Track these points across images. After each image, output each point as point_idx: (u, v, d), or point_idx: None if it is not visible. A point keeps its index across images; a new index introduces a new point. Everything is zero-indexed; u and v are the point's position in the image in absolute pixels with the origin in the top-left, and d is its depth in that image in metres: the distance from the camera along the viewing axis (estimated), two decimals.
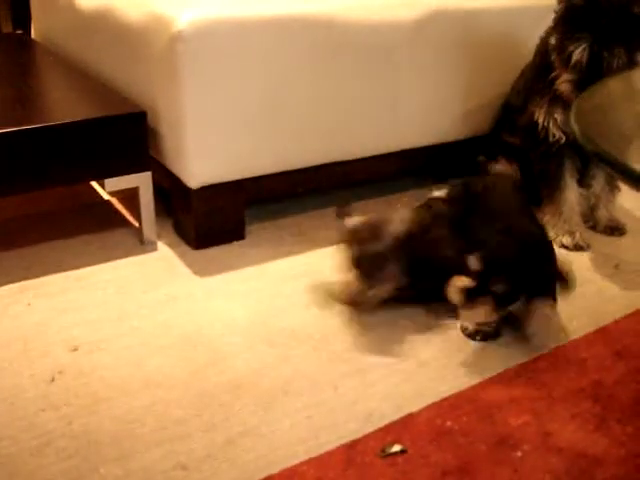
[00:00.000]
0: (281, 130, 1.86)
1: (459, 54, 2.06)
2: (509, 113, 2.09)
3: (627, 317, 1.64)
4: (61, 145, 1.72)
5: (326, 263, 1.80)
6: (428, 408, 1.37)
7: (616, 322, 1.63)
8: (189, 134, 1.77)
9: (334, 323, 1.61)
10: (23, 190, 1.76)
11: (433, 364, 1.49)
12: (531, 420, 1.35)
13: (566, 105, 1.83)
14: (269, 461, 1.24)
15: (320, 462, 1.25)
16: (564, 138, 1.88)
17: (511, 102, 2.09)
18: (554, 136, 1.88)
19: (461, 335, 1.58)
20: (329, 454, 1.26)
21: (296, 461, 1.25)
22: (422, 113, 2.05)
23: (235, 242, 1.92)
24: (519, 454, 1.28)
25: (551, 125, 1.87)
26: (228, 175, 1.84)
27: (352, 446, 1.28)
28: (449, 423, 1.34)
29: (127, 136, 1.80)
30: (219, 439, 1.29)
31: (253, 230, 1.96)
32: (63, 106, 1.91)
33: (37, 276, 1.75)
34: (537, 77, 1.93)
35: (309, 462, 1.25)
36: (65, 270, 1.77)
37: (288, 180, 1.93)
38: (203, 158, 1.80)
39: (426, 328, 1.62)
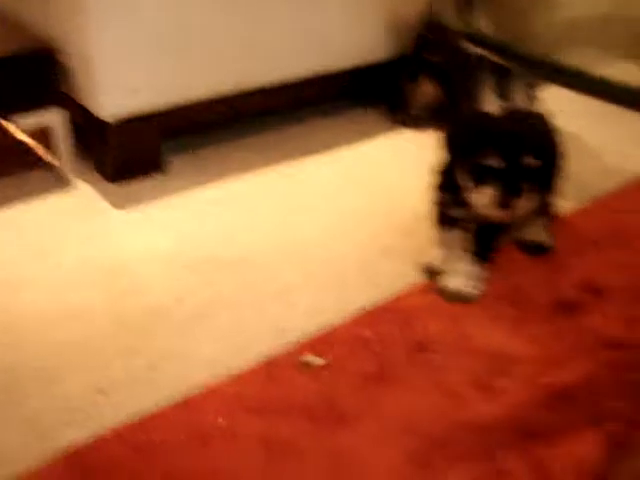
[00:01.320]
0: (195, 57, 1.83)
1: None
2: (430, 31, 2.07)
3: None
4: None
5: (248, 189, 1.80)
6: (348, 320, 1.38)
7: None
8: (98, 65, 1.73)
9: (258, 249, 1.60)
10: None
11: (354, 277, 1.50)
12: (450, 325, 1.37)
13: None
14: (189, 383, 1.24)
15: (240, 379, 1.25)
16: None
17: (432, 19, 2.07)
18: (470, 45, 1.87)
19: (378, 248, 1.58)
20: (249, 371, 1.27)
21: (216, 381, 1.24)
22: (340, 32, 2.02)
23: (155, 175, 1.88)
24: (437, 357, 1.30)
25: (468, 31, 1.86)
26: (141, 106, 1.80)
27: (272, 362, 1.29)
28: (368, 333, 1.35)
29: (34, 73, 1.74)
30: (139, 364, 1.29)
31: (174, 162, 1.93)
32: None
33: None
34: None
35: (229, 380, 1.25)
36: None
37: (206, 109, 1.90)
38: (115, 89, 1.76)
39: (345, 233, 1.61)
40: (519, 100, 1.94)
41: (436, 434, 1.15)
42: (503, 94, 1.93)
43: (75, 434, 1.14)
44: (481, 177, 1.36)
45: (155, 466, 1.09)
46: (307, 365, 1.27)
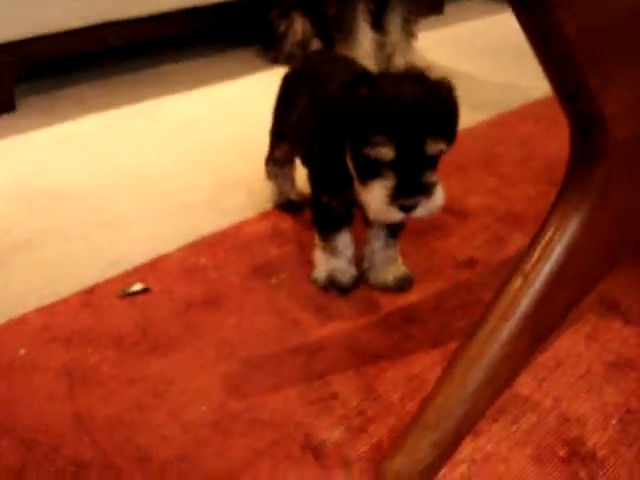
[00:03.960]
0: None
1: None
2: None
3: None
4: None
5: (102, 128, 1.69)
6: (183, 248, 1.27)
7: None
8: None
9: (98, 183, 1.48)
10: None
11: (196, 207, 1.38)
12: (294, 250, 1.27)
13: None
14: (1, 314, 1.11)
15: (52, 309, 1.13)
16: None
17: None
18: None
19: (229, 180, 1.47)
20: (63, 301, 1.15)
21: (25, 311, 1.12)
22: None
23: (5, 114, 1.74)
24: (274, 281, 1.19)
25: None
26: None
27: (91, 291, 1.17)
28: (203, 260, 1.24)
29: None
30: None
31: (28, 102, 1.79)
32: None
33: None
34: None
35: (38, 310, 1.13)
36: None
37: (59, 42, 1.76)
38: None
39: (195, 166, 1.51)
40: (395, 37, 1.86)
41: (258, 358, 1.04)
42: (379, 27, 1.85)
43: None
44: (369, 170, 0.97)
45: None
46: (129, 293, 1.15)
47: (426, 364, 1.03)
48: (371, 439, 0.92)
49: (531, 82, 1.85)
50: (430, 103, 0.96)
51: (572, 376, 1.01)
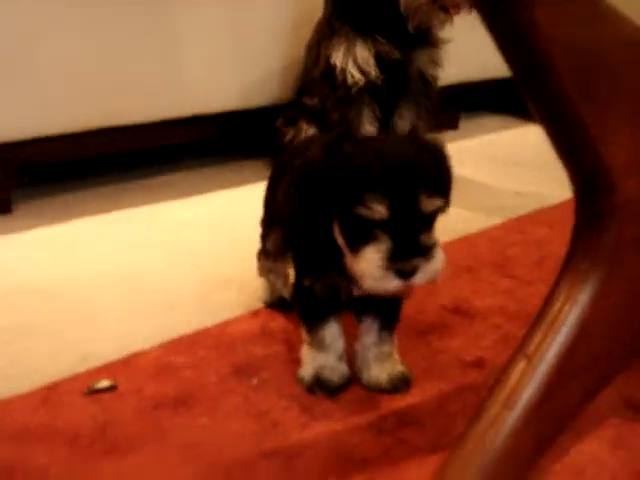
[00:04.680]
0: (46, 88, 1.67)
1: (243, 11, 1.91)
2: (306, 74, 1.94)
3: None
4: None
5: (92, 230, 1.64)
6: (160, 346, 1.16)
7: None
8: None
9: (76, 282, 1.39)
10: None
11: (182, 306, 1.28)
12: (281, 349, 1.15)
13: (369, 41, 1.70)
14: None
15: (9, 404, 1.02)
16: (363, 79, 1.73)
17: (306, 61, 1.94)
18: (353, 77, 1.73)
19: (222, 275, 1.38)
20: (22, 396, 1.03)
21: None
22: (209, 76, 1.88)
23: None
24: (255, 381, 1.07)
25: (350, 65, 1.72)
26: None
27: (53, 387, 1.06)
28: (180, 359, 1.13)
29: None
30: None
31: (22, 206, 1.75)
32: None
33: None
34: (332, 19, 1.79)
35: None
36: None
37: (58, 146, 1.73)
38: None
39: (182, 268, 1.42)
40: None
41: (227, 462, 0.91)
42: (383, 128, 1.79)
43: None
44: (360, 236, 0.88)
45: None
46: (94, 391, 1.04)
47: (420, 473, 0.88)
48: None
49: (545, 190, 1.78)
50: (422, 158, 0.88)
51: None
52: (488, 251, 1.49)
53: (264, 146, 2.02)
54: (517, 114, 2.53)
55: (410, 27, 1.75)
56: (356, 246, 0.88)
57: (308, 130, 1.88)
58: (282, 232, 1.14)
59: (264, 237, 1.23)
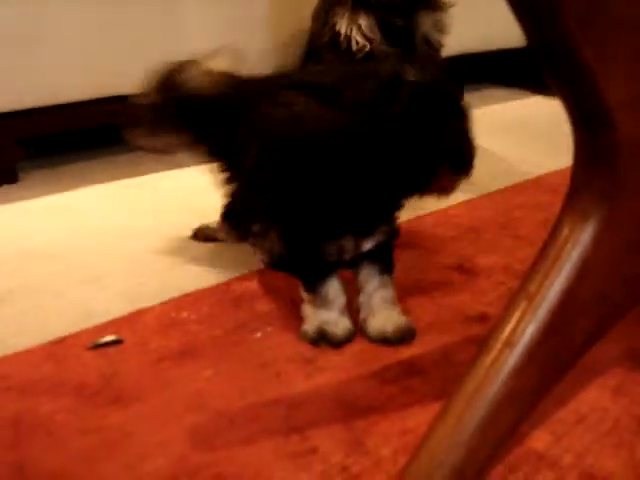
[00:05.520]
0: (47, 59, 1.67)
1: None
2: (312, 43, 1.94)
3: None
4: None
5: (96, 196, 1.66)
6: (165, 303, 1.16)
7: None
8: None
9: (78, 244, 1.40)
10: None
11: (189, 264, 1.29)
12: (285, 306, 1.16)
13: (371, 9, 1.69)
14: None
15: (13, 359, 1.03)
16: (368, 45, 1.73)
17: (312, 30, 1.94)
18: (357, 43, 1.72)
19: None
20: (26, 352, 1.04)
21: None
22: (211, 45, 1.87)
23: (5, 185, 1.69)
24: (259, 335, 1.07)
25: (354, 33, 1.72)
26: None
27: (59, 342, 1.07)
28: (185, 314, 1.13)
29: None
30: None
31: (29, 176, 1.76)
32: None
33: None
34: None
35: (1, 360, 1.02)
36: None
37: (62, 115, 1.73)
38: None
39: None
40: None
41: (231, 411, 0.91)
42: None
43: None
44: None
45: None
46: (99, 345, 1.04)
47: (425, 418, 0.88)
48: None
49: (548, 158, 1.78)
50: None
51: (597, 432, 0.86)
52: (492, 213, 1.49)
53: None
54: (522, 87, 2.53)
55: None
56: None
57: None
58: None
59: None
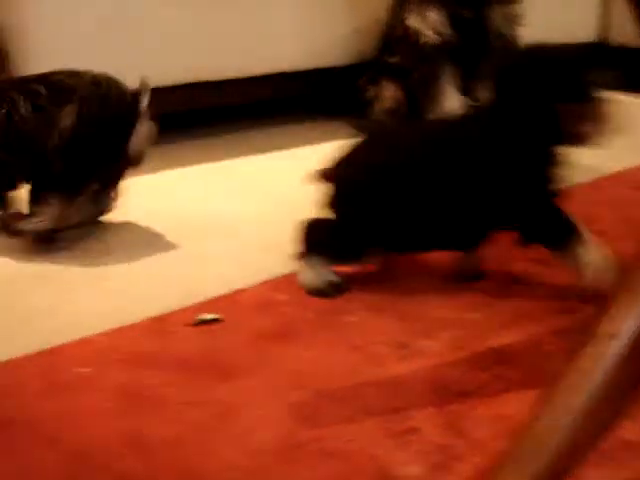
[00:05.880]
0: (139, 43, 1.73)
1: None
2: (388, 34, 1.97)
3: None
4: None
5: (181, 178, 1.72)
6: (260, 284, 1.21)
7: None
8: (34, 47, 1.63)
9: (178, 223, 1.45)
10: None
11: (279, 248, 1.33)
12: (374, 291, 1.19)
13: (441, 3, 1.71)
14: (64, 333, 1.07)
15: (120, 333, 1.08)
16: (439, 39, 1.75)
17: (388, 22, 1.96)
18: (427, 37, 1.75)
19: None
20: (132, 326, 1.10)
21: (92, 333, 1.07)
22: (295, 33, 1.92)
23: None
24: (352, 319, 1.11)
25: (424, 26, 1.75)
26: None
27: (161, 318, 1.12)
28: (280, 296, 1.18)
29: None
30: (11, 317, 1.12)
31: None
32: None
33: None
34: None
35: (106, 333, 1.08)
36: None
37: (156, 98, 1.78)
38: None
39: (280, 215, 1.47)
40: (484, 99, 1.80)
41: (331, 389, 0.96)
42: (467, 92, 1.81)
43: None
44: None
45: None
46: (200, 322, 1.09)
47: (517, 404, 0.91)
48: (453, 477, 0.81)
49: (631, 154, 1.78)
50: None
51: None
52: (573, 208, 1.50)
53: (344, 105, 2.05)
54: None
55: None
56: None
57: (390, 89, 1.91)
58: None
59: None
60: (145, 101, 1.26)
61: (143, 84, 1.30)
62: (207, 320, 1.10)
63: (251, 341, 1.05)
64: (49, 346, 1.04)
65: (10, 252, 1.32)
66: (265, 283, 1.21)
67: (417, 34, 1.76)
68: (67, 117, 1.24)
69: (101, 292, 1.19)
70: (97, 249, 1.34)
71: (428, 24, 1.74)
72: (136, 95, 1.28)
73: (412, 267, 1.26)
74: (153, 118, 1.36)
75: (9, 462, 0.83)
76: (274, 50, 1.89)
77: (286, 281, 1.22)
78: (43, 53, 1.64)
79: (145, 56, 1.74)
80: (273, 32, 1.86)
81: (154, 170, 1.71)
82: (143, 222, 1.45)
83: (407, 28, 1.77)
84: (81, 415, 0.91)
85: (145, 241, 1.37)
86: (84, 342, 1.05)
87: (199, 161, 1.79)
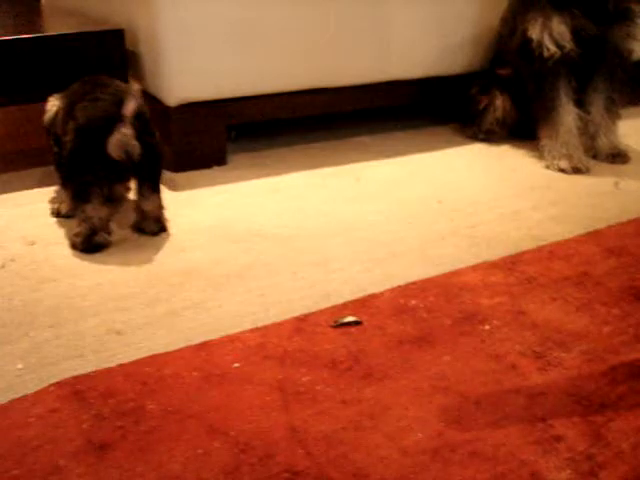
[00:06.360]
0: (263, 49, 1.79)
1: None
2: (500, 45, 2.00)
3: (622, 224, 1.51)
4: (37, 58, 1.68)
5: (305, 182, 1.75)
6: (392, 290, 1.26)
7: (610, 227, 1.50)
8: (167, 49, 1.72)
9: (305, 227, 1.51)
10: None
11: (406, 255, 1.38)
12: (505, 301, 1.23)
13: (566, 16, 1.73)
14: (210, 329, 1.15)
15: (265, 331, 1.15)
16: (559, 52, 1.77)
17: (501, 33, 1.99)
18: (549, 50, 1.77)
19: (441, 229, 1.46)
20: (277, 324, 1.16)
21: (240, 330, 1.14)
22: (412, 42, 1.96)
23: (216, 166, 1.83)
24: (487, 327, 1.16)
25: (546, 38, 1.77)
26: (207, 93, 1.77)
27: (303, 318, 1.18)
28: (413, 302, 1.23)
29: (105, 53, 1.75)
30: (160, 311, 1.20)
31: (236, 159, 1.88)
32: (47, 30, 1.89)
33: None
34: None
35: (253, 330, 1.15)
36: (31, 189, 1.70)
37: (271, 104, 1.85)
38: (181, 74, 1.74)
39: (401, 220, 1.53)
40: (598, 116, 1.82)
41: (475, 395, 1.00)
42: (581, 104, 1.82)
43: (78, 367, 1.05)
44: None
45: (159, 399, 0.99)
46: (341, 324, 1.15)
47: None
48: None
49: None
50: None
51: None
52: None
53: (454, 113, 2.10)
54: None
55: (610, 4, 1.77)
56: None
57: (502, 99, 1.94)
58: None
59: None
60: (130, 105, 1.33)
61: (130, 90, 1.38)
62: (348, 322, 1.15)
63: (392, 344, 1.11)
64: (200, 341, 1.11)
65: (156, 250, 1.39)
66: (396, 288, 1.26)
67: (539, 46, 1.78)
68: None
69: (244, 291, 1.25)
70: (236, 251, 1.40)
71: (552, 36, 1.76)
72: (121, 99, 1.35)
73: (545, 280, 1.29)
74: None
75: (178, 450, 0.90)
76: (389, 59, 1.93)
77: (416, 287, 1.27)
78: (174, 56, 1.71)
79: (268, 61, 1.81)
80: (388, 41, 1.91)
81: (278, 173, 1.79)
82: (273, 225, 1.51)
83: (529, 39, 1.79)
84: (243, 407, 0.97)
85: (279, 243, 1.43)
86: (234, 338, 1.12)
87: (322, 165, 1.84)
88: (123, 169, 1.35)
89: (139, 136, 1.32)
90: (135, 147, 1.31)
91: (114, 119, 1.31)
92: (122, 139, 1.30)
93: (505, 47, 1.96)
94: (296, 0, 1.80)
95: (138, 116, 1.34)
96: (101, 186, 1.34)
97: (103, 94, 1.36)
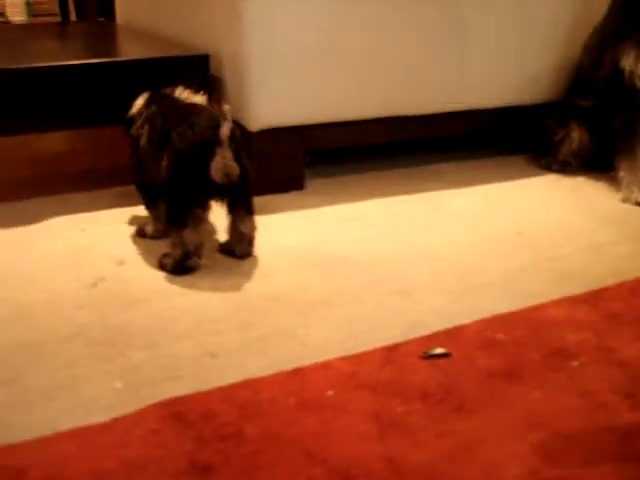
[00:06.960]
0: (344, 77, 1.83)
1: (528, 10, 2.00)
2: (581, 75, 2.00)
3: None
4: (123, 82, 1.74)
5: (381, 210, 1.78)
6: (479, 322, 1.28)
7: None
8: (251, 75, 1.77)
9: (387, 255, 1.54)
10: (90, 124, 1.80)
11: (490, 287, 1.40)
12: (591, 337, 1.24)
13: None
14: (301, 356, 1.17)
15: (356, 359, 1.17)
16: None
17: (583, 63, 2.00)
18: None
19: (522, 261, 1.48)
20: (367, 353, 1.19)
21: (331, 357, 1.17)
22: (491, 72, 1.98)
23: (294, 191, 1.87)
24: (575, 364, 1.17)
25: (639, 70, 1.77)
26: (288, 119, 1.81)
27: (393, 348, 1.20)
28: (500, 335, 1.24)
29: (190, 77, 1.79)
30: (252, 335, 1.23)
31: (313, 184, 1.92)
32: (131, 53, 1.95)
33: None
34: (620, 23, 1.84)
35: (344, 358, 1.17)
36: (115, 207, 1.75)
37: (350, 131, 1.89)
38: (264, 100, 1.78)
39: (481, 251, 1.54)
40: None
41: (568, 432, 1.01)
42: None
43: (176, 388, 1.09)
44: None
45: (258, 423, 1.02)
46: (430, 355, 1.17)
47: None
48: None
49: None
50: None
51: None
52: None
53: (526, 142, 2.11)
54: None
55: None
56: None
57: (579, 131, 1.94)
58: None
59: None
60: (225, 129, 1.35)
61: (223, 113, 1.39)
62: (437, 354, 1.17)
63: (482, 378, 1.12)
64: (291, 367, 1.14)
65: (242, 273, 1.43)
66: (483, 321, 1.28)
67: (631, 76, 1.78)
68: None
69: (331, 318, 1.28)
70: (319, 277, 1.43)
71: None
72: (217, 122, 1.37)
73: (630, 317, 1.30)
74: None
75: (280, 476, 0.92)
76: (467, 88, 1.95)
77: (502, 321, 1.28)
78: (258, 83, 1.76)
79: (348, 89, 1.84)
80: (468, 71, 1.93)
81: (355, 199, 1.82)
82: (353, 251, 1.54)
83: (620, 70, 1.79)
84: (339, 435, 1.00)
85: (361, 271, 1.45)
86: (325, 366, 1.15)
87: (398, 192, 1.87)
88: (221, 192, 1.39)
89: (235, 158, 1.36)
90: (234, 169, 1.35)
91: (213, 142, 1.34)
92: (223, 162, 1.34)
93: (588, 77, 1.96)
94: (377, 29, 1.83)
95: (232, 138, 1.37)
96: (198, 210, 1.38)
97: (198, 118, 1.40)
